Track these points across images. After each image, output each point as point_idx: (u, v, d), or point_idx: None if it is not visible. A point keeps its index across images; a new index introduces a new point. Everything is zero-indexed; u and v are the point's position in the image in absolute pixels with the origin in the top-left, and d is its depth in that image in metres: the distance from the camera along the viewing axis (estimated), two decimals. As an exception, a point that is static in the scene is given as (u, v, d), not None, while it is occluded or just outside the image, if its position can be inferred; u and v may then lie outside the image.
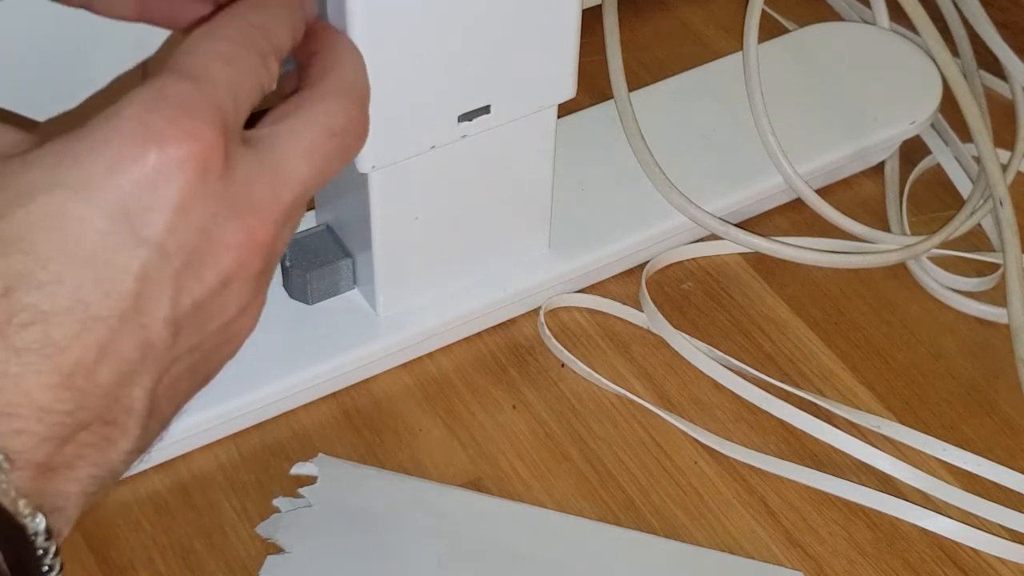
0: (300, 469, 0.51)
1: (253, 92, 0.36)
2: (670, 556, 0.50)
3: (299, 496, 0.50)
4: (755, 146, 0.59)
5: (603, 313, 0.57)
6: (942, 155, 0.64)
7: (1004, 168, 0.60)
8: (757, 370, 0.55)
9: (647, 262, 0.58)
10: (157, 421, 0.35)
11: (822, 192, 0.60)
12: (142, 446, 0.34)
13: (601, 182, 0.59)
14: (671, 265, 0.59)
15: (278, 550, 0.49)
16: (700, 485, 0.52)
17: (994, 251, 0.60)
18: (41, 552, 0.31)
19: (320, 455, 0.52)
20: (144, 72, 0.51)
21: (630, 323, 0.57)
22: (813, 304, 0.58)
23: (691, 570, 0.49)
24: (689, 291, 0.58)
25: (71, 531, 0.34)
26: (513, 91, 0.49)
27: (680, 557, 0.50)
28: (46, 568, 0.31)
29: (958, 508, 0.51)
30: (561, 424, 0.54)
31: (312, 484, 0.51)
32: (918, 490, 0.52)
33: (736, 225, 0.58)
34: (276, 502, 0.50)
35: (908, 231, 0.60)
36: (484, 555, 0.49)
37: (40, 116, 0.50)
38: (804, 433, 0.53)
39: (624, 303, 0.57)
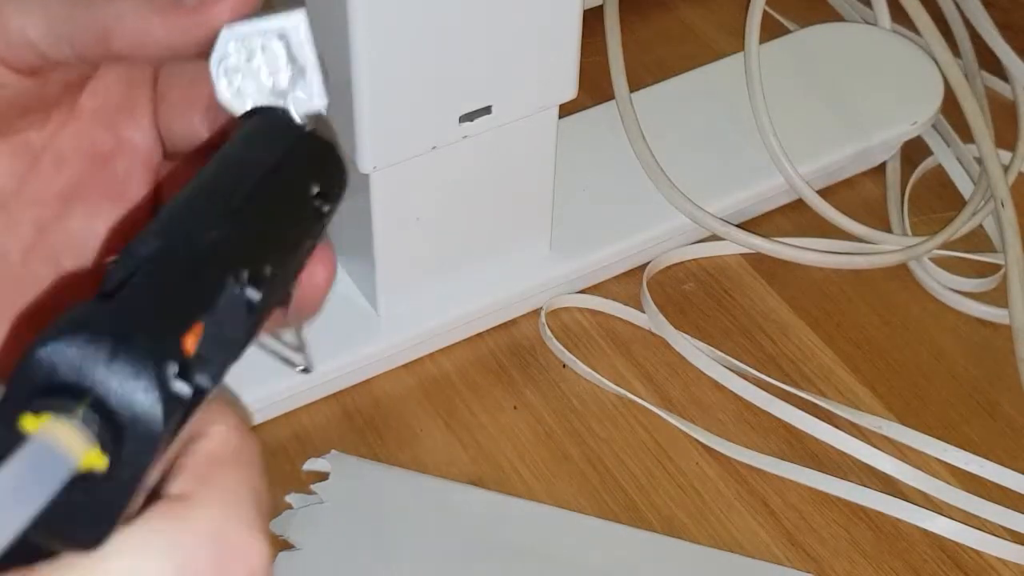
0: (313, 465, 0.51)
1: None
2: (683, 557, 0.49)
3: (312, 492, 0.50)
4: (756, 146, 0.59)
5: (604, 314, 0.57)
6: (943, 156, 0.64)
7: (1005, 169, 0.60)
8: (758, 371, 0.55)
9: (648, 262, 0.58)
10: None
11: (823, 193, 0.60)
12: None
13: (602, 182, 0.59)
14: (672, 266, 0.59)
15: (288, 547, 0.49)
16: (701, 486, 0.52)
17: (995, 252, 0.60)
18: None
19: (333, 452, 0.52)
20: None
21: (631, 324, 0.57)
22: (814, 305, 0.58)
23: (702, 571, 0.49)
24: (690, 292, 0.58)
25: None
26: (514, 91, 0.49)
27: (693, 559, 0.49)
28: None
29: (959, 509, 0.51)
30: (562, 425, 0.54)
31: (324, 481, 0.51)
32: (919, 491, 0.52)
33: (737, 226, 0.58)
34: (289, 498, 0.50)
35: (909, 232, 0.60)
36: (493, 551, 0.49)
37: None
38: (805, 434, 0.53)
39: (625, 304, 0.57)
